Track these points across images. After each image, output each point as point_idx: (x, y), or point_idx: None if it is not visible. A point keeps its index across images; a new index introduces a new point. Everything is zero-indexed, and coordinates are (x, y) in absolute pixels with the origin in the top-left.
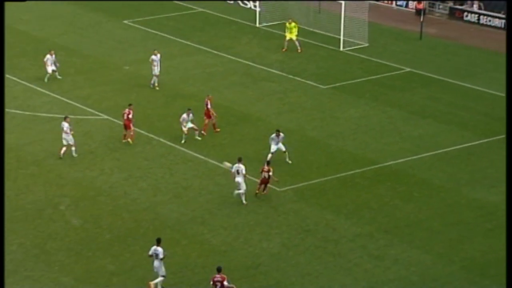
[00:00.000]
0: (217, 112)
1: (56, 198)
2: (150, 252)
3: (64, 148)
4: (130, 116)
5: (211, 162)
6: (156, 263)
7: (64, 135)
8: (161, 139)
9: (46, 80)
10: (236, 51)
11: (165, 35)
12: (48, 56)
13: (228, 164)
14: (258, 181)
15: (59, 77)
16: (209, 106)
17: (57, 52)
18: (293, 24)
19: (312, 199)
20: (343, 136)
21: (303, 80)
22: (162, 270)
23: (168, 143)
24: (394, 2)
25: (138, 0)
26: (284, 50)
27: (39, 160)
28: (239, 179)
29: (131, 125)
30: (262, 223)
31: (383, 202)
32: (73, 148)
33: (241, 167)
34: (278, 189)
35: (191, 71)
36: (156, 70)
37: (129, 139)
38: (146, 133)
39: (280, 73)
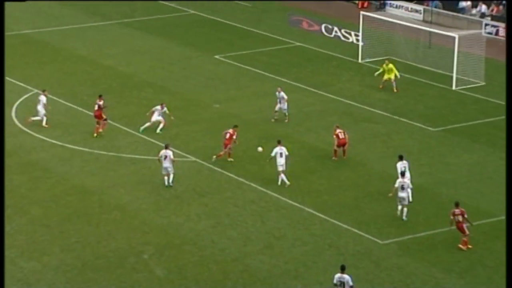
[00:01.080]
0: (314, 155)
1: (140, 246)
2: (335, 281)
3: (168, 177)
4: (234, 136)
5: (307, 210)
6: None
7: (166, 164)
8: (252, 184)
9: (159, 130)
10: (336, 89)
11: (259, 71)
12: (158, 107)
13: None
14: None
15: (159, 132)
16: (341, 136)
17: (144, 89)
18: (390, 65)
19: (419, 254)
20: (454, 184)
21: (410, 121)
22: None
23: (260, 188)
24: None
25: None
26: (380, 87)
27: (122, 204)
28: (403, 194)
29: (229, 145)
30: (362, 279)
31: (500, 260)
32: (171, 176)
33: (406, 181)
34: (380, 241)
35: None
36: (278, 106)
37: (222, 154)
38: (235, 177)
39: (384, 113)
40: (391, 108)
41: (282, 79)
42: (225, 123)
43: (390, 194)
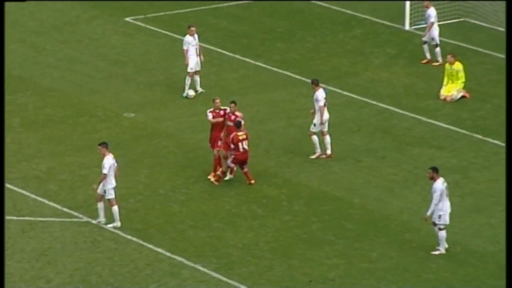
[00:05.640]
0: (317, 209)
1: None
2: None
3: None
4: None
5: None
6: None
7: (114, 180)
8: (202, 267)
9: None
10: (362, 82)
11: (210, 46)
12: (188, 39)
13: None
14: None
15: (200, 89)
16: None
17: None
18: (456, 65)
19: None
20: None
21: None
22: None
23: (213, 273)
24: None
25: None
26: (442, 98)
27: None
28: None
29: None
30: None
31: None
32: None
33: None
34: None
35: (263, 117)
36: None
37: (247, 180)
38: (168, 254)
39: (455, 128)
40: (469, 120)
41: (256, 62)
42: (146, 147)
43: None
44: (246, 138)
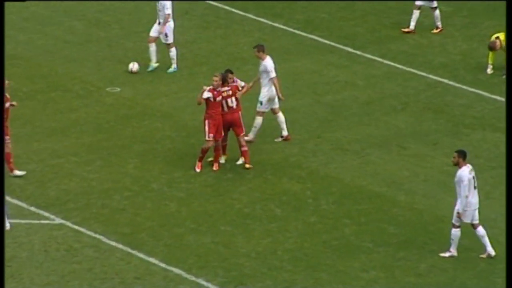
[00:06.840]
0: (346, 210)
1: None
2: None
3: None
4: (231, 96)
5: None
6: None
7: None
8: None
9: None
10: (403, 48)
11: (212, 2)
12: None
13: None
14: None
15: (172, 69)
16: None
17: None
18: (500, 38)
19: None
20: None
21: None
22: None
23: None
24: None
25: None
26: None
27: None
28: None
29: (240, 119)
30: None
31: None
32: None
33: None
34: None
35: (283, 93)
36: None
37: (244, 162)
38: (160, 265)
39: None
40: None
41: (274, 24)
42: (135, 130)
43: None
44: (233, 95)
